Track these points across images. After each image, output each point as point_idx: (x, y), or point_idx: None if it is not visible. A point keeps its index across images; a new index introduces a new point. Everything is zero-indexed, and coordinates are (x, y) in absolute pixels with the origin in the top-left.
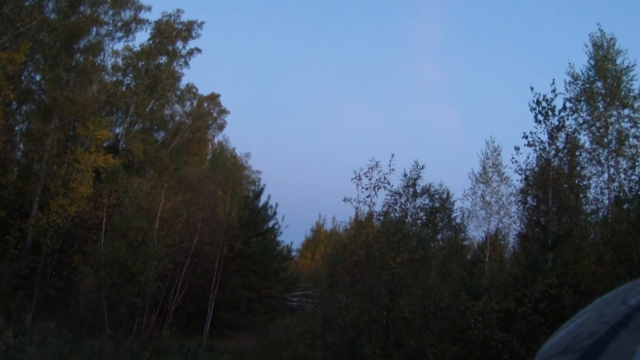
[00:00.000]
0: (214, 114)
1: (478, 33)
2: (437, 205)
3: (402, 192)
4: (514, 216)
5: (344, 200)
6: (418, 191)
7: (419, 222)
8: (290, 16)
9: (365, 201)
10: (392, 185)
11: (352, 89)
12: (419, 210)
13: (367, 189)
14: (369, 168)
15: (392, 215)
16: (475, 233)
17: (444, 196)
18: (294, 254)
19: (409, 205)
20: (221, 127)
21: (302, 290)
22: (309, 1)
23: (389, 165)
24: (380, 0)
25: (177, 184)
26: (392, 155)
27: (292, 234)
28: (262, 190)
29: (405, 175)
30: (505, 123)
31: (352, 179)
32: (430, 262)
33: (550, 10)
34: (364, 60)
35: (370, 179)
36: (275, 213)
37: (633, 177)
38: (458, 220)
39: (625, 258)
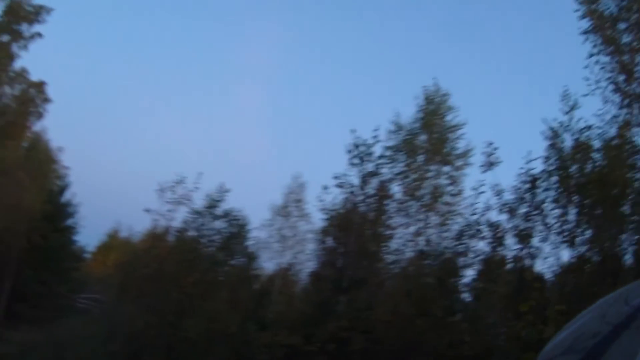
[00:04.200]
0: (38, 102)
1: (310, 65)
2: (234, 230)
3: (203, 211)
4: (309, 254)
5: (146, 210)
6: (218, 213)
7: (214, 244)
8: (122, 15)
9: (166, 215)
10: (195, 204)
11: (171, 100)
12: (216, 232)
13: (169, 202)
14: (175, 182)
15: (190, 233)
16: (268, 264)
17: (242, 222)
18: (87, 255)
19: (207, 225)
20: (41, 116)
21: (92, 293)
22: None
23: (195, 183)
24: (207, 13)
25: None
26: (200, 173)
27: (89, 235)
28: (67, 186)
29: (208, 195)
30: (317, 160)
31: (156, 191)
32: (222, 286)
33: (382, 58)
34: (189, 75)
35: (174, 194)
36: (76, 212)
37: (445, 234)
38: (253, 248)
39: (426, 312)
